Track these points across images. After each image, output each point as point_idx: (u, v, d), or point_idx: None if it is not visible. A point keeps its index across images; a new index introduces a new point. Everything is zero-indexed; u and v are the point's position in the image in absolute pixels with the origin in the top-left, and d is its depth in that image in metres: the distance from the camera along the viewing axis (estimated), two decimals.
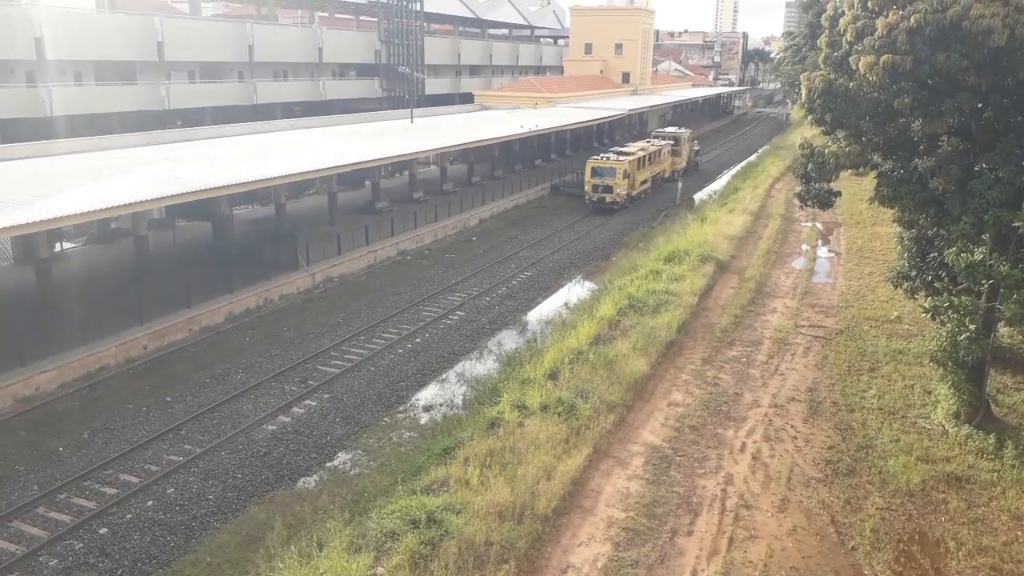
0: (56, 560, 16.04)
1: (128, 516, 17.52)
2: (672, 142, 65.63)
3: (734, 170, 76.35)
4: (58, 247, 34.22)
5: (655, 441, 20.43)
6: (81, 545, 16.51)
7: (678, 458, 19.57)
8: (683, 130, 68.78)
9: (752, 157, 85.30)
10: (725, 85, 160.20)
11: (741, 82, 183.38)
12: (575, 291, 35.94)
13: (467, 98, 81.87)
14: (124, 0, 65.74)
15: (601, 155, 53.30)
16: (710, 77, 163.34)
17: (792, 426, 21.33)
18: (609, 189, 51.02)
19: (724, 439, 20.61)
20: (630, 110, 77.82)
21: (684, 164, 67.84)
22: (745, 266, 37.52)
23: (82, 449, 20.32)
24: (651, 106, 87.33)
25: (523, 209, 53.03)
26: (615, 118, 74.79)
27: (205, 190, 28.29)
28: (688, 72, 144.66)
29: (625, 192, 51.87)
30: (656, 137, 66.34)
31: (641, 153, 55.80)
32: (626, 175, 51.67)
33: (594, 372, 23.01)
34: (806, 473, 18.94)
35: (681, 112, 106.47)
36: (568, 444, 19.25)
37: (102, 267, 33.13)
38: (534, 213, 52.13)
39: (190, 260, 31.62)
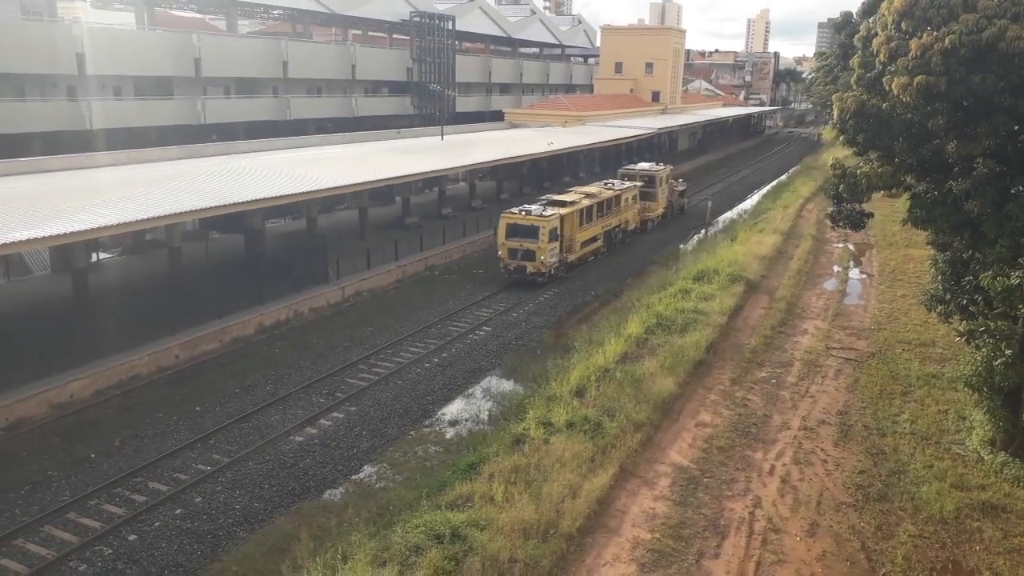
0: (86, 566, 16.24)
1: (156, 524, 17.70)
2: (643, 183, 51.38)
3: (763, 191, 75.84)
4: (95, 257, 34.87)
5: (682, 462, 20.24)
6: (110, 551, 16.70)
7: (706, 479, 19.37)
8: (660, 167, 54.55)
9: (783, 177, 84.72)
10: (756, 105, 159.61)
11: (772, 102, 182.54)
12: (601, 310, 35.80)
13: (497, 116, 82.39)
14: (163, 17, 67.38)
15: (521, 208, 38.08)
16: (741, 97, 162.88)
17: (822, 449, 21.03)
18: (530, 255, 36.80)
19: (753, 461, 20.37)
20: (659, 129, 77.83)
21: (660, 210, 53.63)
22: (775, 286, 37.19)
23: (113, 456, 20.60)
24: (680, 125, 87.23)
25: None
26: (644, 137, 74.78)
27: (237, 204, 28.71)
28: (719, 92, 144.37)
29: (554, 259, 37.71)
30: (624, 177, 52.02)
31: (586, 202, 41.61)
32: (555, 235, 37.34)
33: (621, 390, 22.89)
34: (836, 497, 18.64)
35: (711, 132, 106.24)
36: (594, 463, 19.14)
37: (136, 277, 33.69)
38: None
39: (222, 272, 32.03)
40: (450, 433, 22.80)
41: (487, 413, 23.92)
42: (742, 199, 71.09)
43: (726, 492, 18.82)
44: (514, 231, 37.20)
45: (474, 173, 53.92)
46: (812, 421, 22.74)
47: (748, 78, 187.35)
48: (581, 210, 40.87)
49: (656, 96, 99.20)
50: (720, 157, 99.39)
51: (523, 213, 37.22)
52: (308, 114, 63.84)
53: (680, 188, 59.03)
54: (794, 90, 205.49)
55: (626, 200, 47.08)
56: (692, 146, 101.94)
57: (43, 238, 22.37)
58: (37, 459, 20.35)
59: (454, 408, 24.69)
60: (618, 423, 20.95)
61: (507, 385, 26.22)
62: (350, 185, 35.61)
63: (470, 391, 25.99)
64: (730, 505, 18.25)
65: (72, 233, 22.84)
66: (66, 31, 45.82)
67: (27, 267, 35.46)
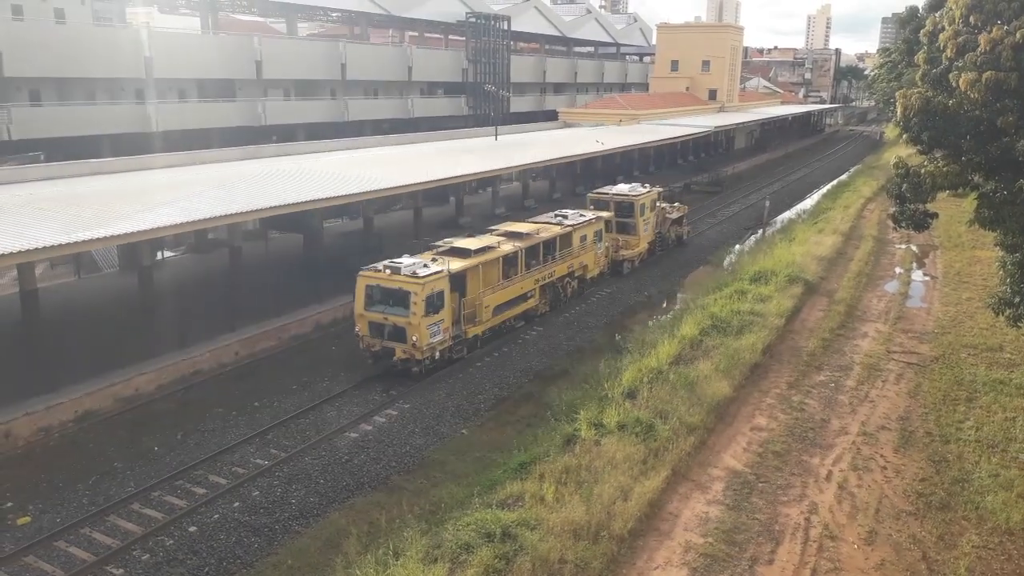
0: (148, 555, 16.78)
1: (215, 516, 18.19)
2: (616, 212, 39.54)
3: (823, 190, 74.20)
4: (159, 256, 35.99)
5: (737, 466, 19.95)
6: (172, 542, 17.23)
7: (760, 484, 19.06)
8: (644, 189, 41.54)
9: (843, 176, 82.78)
10: (816, 103, 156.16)
11: (833, 100, 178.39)
12: (656, 309, 35.54)
13: (551, 115, 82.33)
14: (226, 21, 69.08)
15: (389, 263, 25.77)
16: (800, 94, 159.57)
17: (882, 456, 20.49)
18: (399, 334, 25.08)
19: (809, 466, 19.96)
20: (715, 127, 76.80)
21: (641, 247, 40.73)
22: (835, 288, 36.35)
23: (175, 449, 21.25)
24: (738, 123, 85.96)
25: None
26: (700, 135, 73.90)
27: (296, 204, 29.25)
28: (777, 89, 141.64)
29: (437, 337, 25.58)
30: (594, 204, 40.36)
31: (507, 248, 29.60)
32: (434, 304, 25.06)
33: (674, 393, 22.66)
34: (896, 505, 18.14)
35: (769, 130, 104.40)
36: (646, 465, 18.99)
37: (198, 275, 34.67)
38: None
39: (282, 271, 32.76)
40: (501, 432, 22.85)
41: (537, 413, 23.93)
42: (801, 199, 69.69)
43: (781, 497, 18.48)
44: (376, 297, 25.47)
45: (527, 173, 53.99)
46: (871, 426, 22.17)
47: (808, 75, 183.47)
48: (497, 260, 28.78)
49: (713, 94, 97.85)
50: (778, 156, 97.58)
51: (388, 271, 25.18)
52: (365, 115, 64.72)
53: (675, 214, 45.48)
54: (856, 87, 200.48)
55: (581, 239, 34.56)
56: (750, 145, 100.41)
57: (110, 237, 23.17)
58: (104, 451, 21.12)
59: (504, 407, 24.78)
60: (671, 426, 20.74)
61: (557, 385, 26.15)
62: (405, 186, 35.99)
63: (520, 391, 26.03)
64: (785, 511, 17.92)
65: (137, 232, 23.59)
66: (135, 36, 47.38)
67: (96, 265, 36.77)
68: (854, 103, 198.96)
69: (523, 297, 30.87)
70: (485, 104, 74.22)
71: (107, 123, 46.20)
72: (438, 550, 15.39)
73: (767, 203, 55.20)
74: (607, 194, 41.11)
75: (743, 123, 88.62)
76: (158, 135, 47.49)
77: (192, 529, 17.69)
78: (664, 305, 37.14)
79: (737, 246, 48.62)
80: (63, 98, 46.15)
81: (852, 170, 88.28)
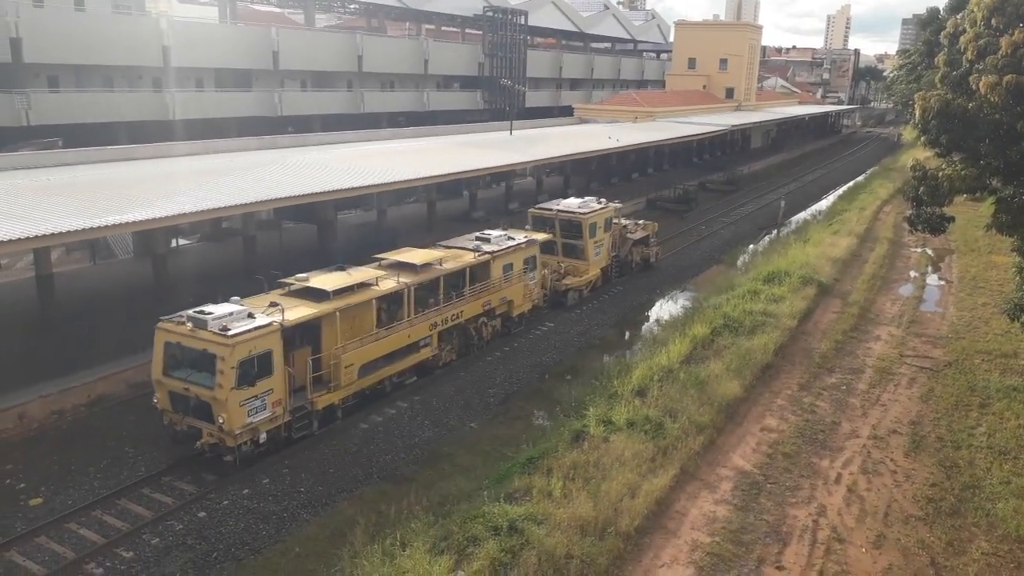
0: (158, 539, 16.92)
1: (225, 502, 18.32)
2: (564, 233, 34.10)
3: (839, 192, 73.75)
4: (174, 243, 36.19)
5: (745, 466, 19.90)
6: (181, 526, 17.36)
7: (769, 485, 19.00)
8: (597, 206, 35.43)
9: (860, 178, 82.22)
10: (834, 103, 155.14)
11: (851, 100, 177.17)
12: (667, 307, 35.45)
13: (567, 111, 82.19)
14: (244, 11, 69.30)
15: (195, 314, 19.18)
16: (818, 95, 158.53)
17: (892, 460, 20.39)
18: (205, 410, 19.01)
19: (818, 469, 19.89)
20: (732, 126, 76.48)
21: (591, 274, 34.90)
22: (848, 290, 36.14)
23: None
24: (754, 123, 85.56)
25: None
26: (716, 134, 73.60)
27: (310, 194, 29.39)
28: (795, 89, 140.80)
29: (263, 415, 19.40)
30: (536, 221, 34.90)
31: (384, 287, 23.19)
32: (249, 374, 18.81)
33: (684, 392, 22.61)
34: (905, 510, 18.05)
35: (786, 130, 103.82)
36: (654, 463, 18.98)
37: (213, 263, 34.85)
38: None
39: (295, 260, 32.86)
40: (510, 427, 22.85)
41: (547, 408, 23.96)
42: (816, 199, 69.29)
43: (789, 499, 18.42)
44: (178, 358, 19.38)
45: (541, 168, 53.87)
46: (882, 430, 22.06)
47: (826, 76, 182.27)
48: (368, 302, 22.38)
49: (730, 93, 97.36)
50: (795, 156, 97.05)
51: (191, 324, 19.03)
52: (381, 108, 64.82)
53: (638, 234, 39.11)
54: (874, 88, 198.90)
55: (504, 268, 28.52)
56: (766, 144, 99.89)
57: (124, 224, 23.36)
58: (115, 435, 21.28)
59: (515, 402, 24.79)
60: (680, 424, 20.71)
61: (567, 380, 26.14)
62: (418, 179, 36.05)
63: (530, 385, 26.04)
64: (793, 512, 17.86)
65: (151, 220, 23.78)
66: (154, 25, 47.65)
67: (112, 251, 37.02)
68: (872, 104, 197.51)
69: (412, 347, 24.42)
70: (501, 98, 74.16)
71: (124, 110, 46.50)
72: (445, 542, 15.44)
73: (782, 203, 54.92)
74: (550, 210, 34.92)
75: (760, 122, 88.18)
76: (175, 123, 47.74)
77: (202, 515, 17.82)
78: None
79: (751, 246, 48.40)
80: (81, 85, 46.44)
81: (869, 172, 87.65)
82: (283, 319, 19.70)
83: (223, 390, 18.38)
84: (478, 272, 27.52)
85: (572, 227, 34.16)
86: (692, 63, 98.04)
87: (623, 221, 38.73)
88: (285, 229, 40.36)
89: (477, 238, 29.46)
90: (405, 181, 34.99)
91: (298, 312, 20.51)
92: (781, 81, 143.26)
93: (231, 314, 19.18)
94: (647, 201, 58.22)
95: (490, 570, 14.56)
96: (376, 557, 14.87)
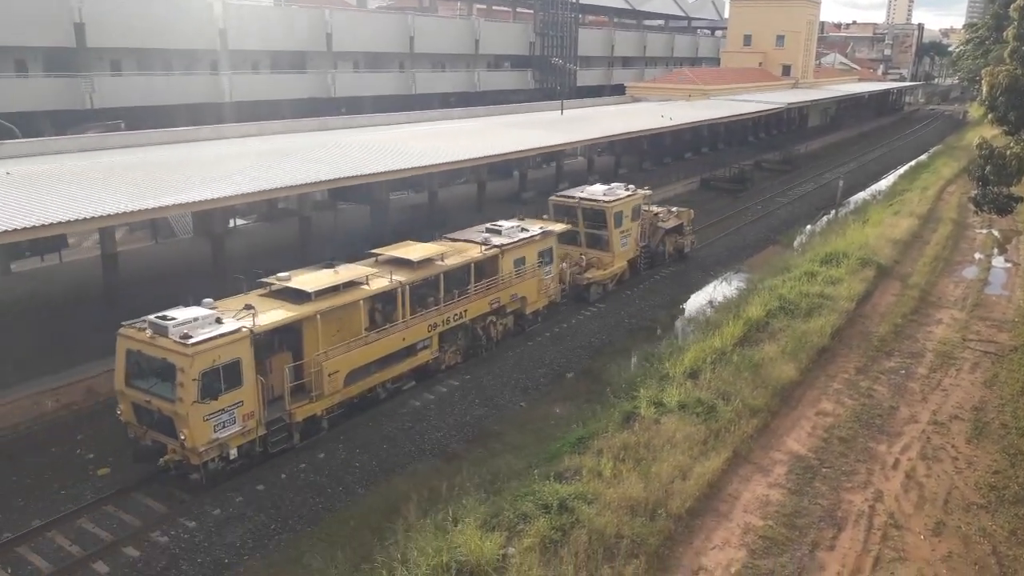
0: (219, 510, 17.45)
1: (283, 475, 18.77)
2: (587, 223, 32.05)
3: (900, 171, 71.58)
4: (232, 223, 36.99)
5: (800, 450, 19.62)
6: (241, 498, 17.87)
7: (824, 469, 18.71)
8: (624, 193, 33.15)
9: (922, 157, 79.70)
10: (895, 80, 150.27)
11: (914, 77, 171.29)
12: (721, 289, 34.99)
13: (618, 89, 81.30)
14: None
15: (156, 321, 17.60)
16: (879, 71, 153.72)
17: (953, 446, 19.87)
18: (168, 424, 17.48)
19: (875, 454, 19.50)
20: (789, 104, 74.75)
21: (616, 266, 32.51)
22: (909, 272, 35.17)
23: None
24: (812, 100, 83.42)
25: (671, 203, 51.77)
26: (772, 112, 72.04)
27: (363, 175, 29.67)
28: (854, 66, 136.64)
29: (232, 429, 17.85)
30: (557, 209, 32.68)
31: (376, 286, 21.47)
32: (213, 386, 17.23)
33: (737, 374, 22.35)
34: (966, 497, 17.60)
35: (845, 108, 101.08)
36: (706, 446, 18.84)
37: (268, 243, 35.50)
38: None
39: (348, 240, 33.28)
40: (560, 407, 22.91)
41: (597, 389, 23.91)
42: (877, 179, 67.43)
43: (845, 484, 18.12)
44: (140, 367, 17.95)
45: (592, 148, 53.49)
46: (943, 416, 21.50)
47: (888, 51, 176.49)
48: (355, 303, 20.63)
49: (787, 70, 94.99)
50: (854, 135, 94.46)
51: (151, 331, 17.53)
52: (432, 88, 65.02)
53: (671, 222, 36.67)
54: (938, 64, 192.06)
55: (516, 263, 26.61)
56: (824, 123, 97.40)
57: (183, 204, 23.93)
58: None
59: (565, 382, 24.87)
60: (733, 407, 20.49)
61: (618, 362, 26.04)
62: (468, 160, 36.09)
63: (581, 366, 26.02)
64: (849, 497, 17.57)
65: (209, 200, 24.30)
66: (210, 8, 48.44)
67: (172, 230, 38.02)
68: (936, 81, 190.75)
69: (408, 351, 22.74)
70: (552, 78, 73.71)
71: (183, 93, 47.57)
72: (496, 519, 15.60)
73: (840, 183, 53.58)
74: (572, 198, 32.50)
75: (818, 100, 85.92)
76: (231, 105, 48.66)
77: (260, 487, 18.30)
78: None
79: (808, 226, 47.39)
80: (142, 69, 47.59)
81: (932, 151, 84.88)
82: (254, 324, 18.02)
83: (183, 404, 16.86)
84: (486, 267, 25.60)
85: (596, 216, 31.92)
86: (748, 40, 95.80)
87: (654, 208, 36.54)
88: (339, 209, 40.91)
89: (488, 230, 27.43)
90: (455, 162, 35.07)
91: (273, 316, 18.79)
92: (840, 57, 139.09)
93: (195, 319, 17.56)
94: (701, 181, 57.41)
95: (540, 547, 14.68)
96: (429, 531, 15.11)
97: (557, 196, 33.48)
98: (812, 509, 17.08)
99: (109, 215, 21.59)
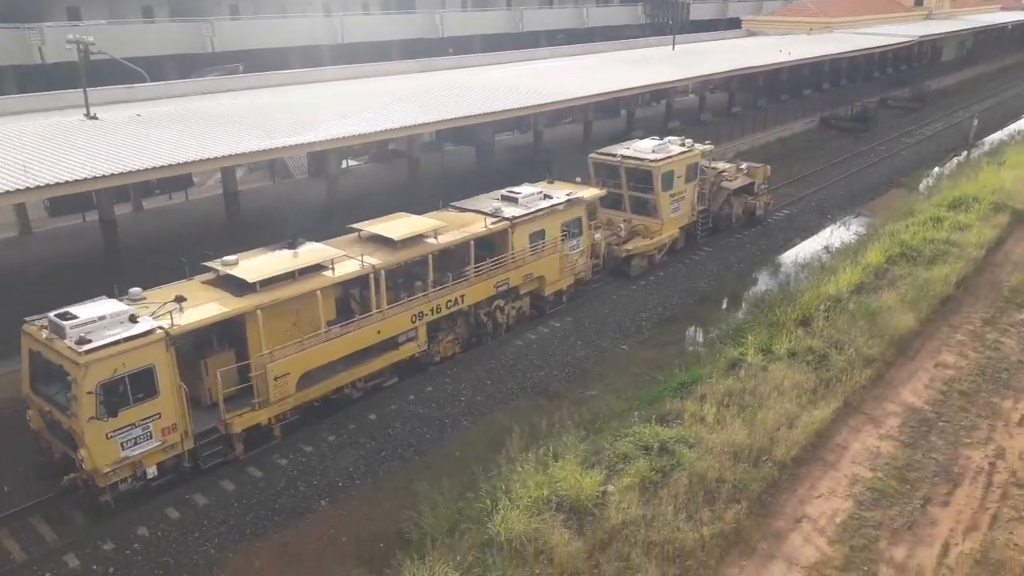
0: (334, 436, 18.40)
1: (392, 407, 19.55)
2: (631, 185, 28.27)
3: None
4: (344, 164, 38.00)
5: (916, 403, 18.85)
6: (354, 426, 18.77)
7: (941, 423, 17.95)
8: (682, 148, 29.08)
9: None
10: None
11: None
12: (836, 234, 33.49)
13: (734, 23, 77.63)
14: None
15: (50, 320, 15.02)
16: None
17: None
18: (68, 437, 15.08)
19: (999, 409, 18.51)
20: (920, 36, 69.55)
21: (666, 235, 28.53)
22: None
23: None
24: (946, 32, 77.16)
25: (787, 143, 49.62)
26: (901, 46, 67.24)
27: (468, 116, 29.69)
28: None
29: (134, 452, 15.03)
30: (597, 168, 28.99)
31: (342, 272, 18.28)
32: (117, 399, 14.55)
33: (852, 323, 21.56)
34: None
35: (984, 40, 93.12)
36: (815, 395, 18.40)
37: (379, 182, 36.34)
38: (800, 148, 48.45)
39: (454, 180, 33.67)
40: (662, 351, 22.78)
41: (702, 335, 23.65)
42: (1016, 119, 62.20)
43: (964, 439, 17.34)
44: (43, 372, 15.62)
45: (704, 85, 51.52)
46: None
47: None
48: (311, 294, 17.54)
49: (920, 0, 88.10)
50: (993, 70, 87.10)
51: (48, 332, 15.03)
52: (539, 26, 63.95)
53: (738, 182, 31.90)
54: None
55: (533, 236, 22.79)
56: (960, 57, 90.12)
57: (299, 145, 24.75)
58: None
59: (668, 327, 24.62)
60: (846, 357, 19.83)
61: (725, 307, 25.53)
62: (575, 98, 35.48)
63: (685, 311, 25.67)
64: (967, 453, 16.82)
65: (323, 141, 25.01)
66: None
67: (288, 171, 39.44)
68: None
69: (388, 344, 19.50)
70: (663, 12, 71.09)
71: (297, 35, 48.63)
72: (595, 456, 15.82)
73: (975, 122, 49.82)
74: (614, 156, 28.27)
75: (952, 32, 79.39)
76: (342, 47, 49.44)
77: (372, 416, 19.14)
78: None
79: (936, 169, 44.46)
80: (258, 12, 48.89)
81: None
82: (172, 324, 15.20)
83: (78, 420, 14.24)
84: (494, 243, 21.94)
85: (642, 176, 27.79)
86: None
87: (719, 165, 32.06)
88: (447, 151, 41.31)
89: (503, 197, 23.48)
90: (562, 101, 34.58)
91: (203, 312, 15.98)
92: None
93: (102, 318, 14.73)
94: (820, 120, 54.58)
95: (640, 487, 14.82)
96: (530, 465, 15.48)
97: (598, 153, 29.17)
98: (926, 463, 16.46)
99: (235, 155, 22.62)
